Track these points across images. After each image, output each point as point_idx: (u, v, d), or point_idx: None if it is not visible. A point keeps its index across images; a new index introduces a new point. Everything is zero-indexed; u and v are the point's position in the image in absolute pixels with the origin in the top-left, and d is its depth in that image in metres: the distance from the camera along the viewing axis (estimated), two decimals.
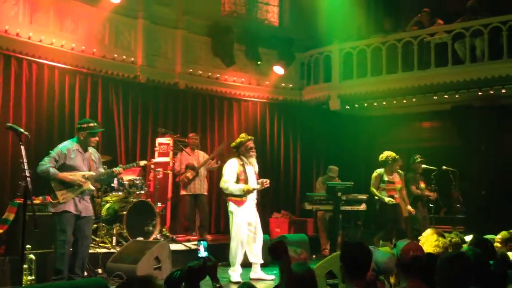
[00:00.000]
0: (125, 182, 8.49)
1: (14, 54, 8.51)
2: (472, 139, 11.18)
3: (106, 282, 4.42)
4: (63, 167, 6.03)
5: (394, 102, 11.59)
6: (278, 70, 11.93)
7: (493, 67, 9.97)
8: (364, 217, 10.48)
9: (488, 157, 10.91)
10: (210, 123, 11.38)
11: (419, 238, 5.02)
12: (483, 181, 10.84)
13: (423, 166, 9.40)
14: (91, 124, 6.30)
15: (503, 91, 10.28)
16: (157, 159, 9.68)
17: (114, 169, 6.47)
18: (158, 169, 9.22)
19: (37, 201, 6.76)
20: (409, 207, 9.06)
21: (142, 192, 8.64)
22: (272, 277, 7.07)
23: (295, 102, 12.53)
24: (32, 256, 6.12)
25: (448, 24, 10.78)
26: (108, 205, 8.33)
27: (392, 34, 11.39)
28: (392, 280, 3.86)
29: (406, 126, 12.35)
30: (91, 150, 6.34)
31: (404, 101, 11.48)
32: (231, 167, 7.21)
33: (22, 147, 4.80)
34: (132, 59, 10.14)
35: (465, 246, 4.47)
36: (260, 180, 7.34)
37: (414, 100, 11.34)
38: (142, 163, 6.92)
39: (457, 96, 10.85)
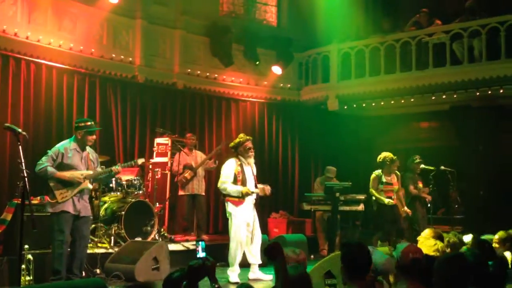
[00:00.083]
0: (123, 182, 8.49)
1: (12, 54, 8.50)
2: (470, 139, 11.19)
3: (104, 282, 4.42)
4: (61, 166, 6.02)
5: (392, 102, 11.60)
6: (276, 70, 11.94)
7: (491, 68, 9.99)
8: (362, 218, 10.48)
9: (486, 157, 10.93)
10: (208, 123, 11.38)
11: (417, 238, 5.02)
12: (481, 181, 10.86)
13: (422, 166, 9.41)
14: (88, 123, 6.30)
15: (501, 91, 10.31)
16: (155, 159, 9.68)
17: (113, 167, 6.45)
18: (156, 169, 9.22)
19: (35, 201, 6.77)
20: (405, 208, 9.07)
21: (140, 192, 8.64)
22: (270, 277, 7.07)
23: (293, 102, 12.54)
24: (30, 256, 6.11)
25: (446, 24, 10.79)
26: (106, 205, 8.32)
27: (390, 34, 11.40)
28: (391, 279, 3.86)
29: (404, 126, 12.37)
30: (88, 149, 6.34)
31: (402, 101, 11.50)
32: (229, 167, 7.20)
33: (20, 147, 4.79)
34: (130, 59, 10.13)
35: (464, 248, 4.46)
36: (262, 187, 7.33)
37: (412, 100, 11.36)
38: (140, 161, 6.90)
39: (455, 96, 10.87)
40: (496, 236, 5.17)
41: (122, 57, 10.00)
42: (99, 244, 7.77)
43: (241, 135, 7.50)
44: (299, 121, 12.61)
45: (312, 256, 9.13)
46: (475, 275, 3.26)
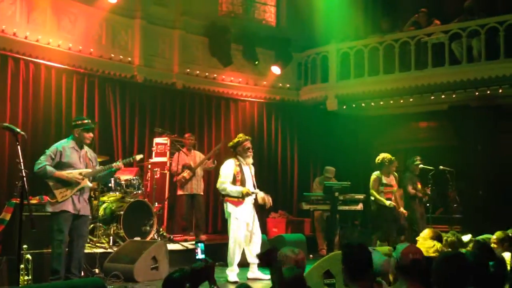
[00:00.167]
0: (122, 182, 8.49)
1: (11, 54, 8.50)
2: (469, 139, 11.20)
3: (103, 282, 4.42)
4: (60, 165, 6.01)
5: (391, 102, 11.61)
6: (276, 70, 11.94)
7: (490, 67, 10.00)
8: (361, 217, 10.49)
9: (485, 157, 10.94)
10: (207, 123, 11.39)
11: (416, 238, 5.03)
12: (480, 181, 10.86)
13: (421, 166, 9.41)
14: (85, 121, 6.30)
15: (500, 91, 10.32)
16: (155, 159, 9.69)
17: (114, 164, 6.42)
18: (155, 169, 9.22)
19: (34, 201, 6.76)
20: (401, 209, 9.08)
21: (139, 192, 8.64)
22: (269, 276, 7.06)
23: (292, 102, 12.54)
24: (29, 256, 6.10)
25: (445, 24, 10.80)
26: (105, 205, 8.32)
27: (389, 34, 11.40)
28: (390, 278, 3.86)
29: (403, 126, 12.37)
30: (86, 149, 6.33)
31: (401, 101, 11.51)
32: (228, 167, 7.20)
33: (19, 147, 4.79)
34: (129, 59, 10.13)
35: (464, 250, 4.47)
36: (263, 196, 7.31)
37: (411, 100, 11.37)
38: (138, 157, 6.87)
39: (454, 96, 10.87)
40: (494, 237, 5.17)
41: (121, 57, 10.00)
42: (98, 244, 7.77)
43: (240, 135, 7.50)
44: (298, 121, 12.61)
45: (311, 256, 9.14)
46: (475, 275, 3.26)
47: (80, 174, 6.09)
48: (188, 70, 11.05)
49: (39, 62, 8.87)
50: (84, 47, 9.45)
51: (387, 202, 8.78)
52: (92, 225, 7.92)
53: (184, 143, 9.59)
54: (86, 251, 6.95)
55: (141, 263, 6.79)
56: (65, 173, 5.99)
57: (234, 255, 7.08)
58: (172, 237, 8.95)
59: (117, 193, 8.42)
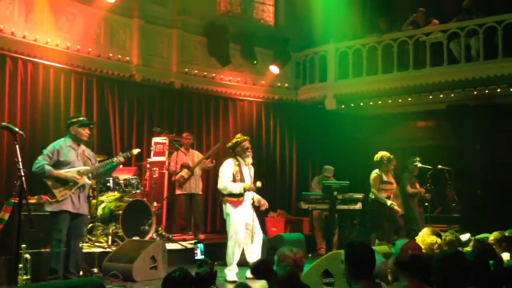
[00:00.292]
0: (121, 182, 8.48)
1: (9, 54, 8.49)
2: (467, 138, 11.21)
3: (102, 282, 4.41)
4: (58, 164, 6.00)
5: (390, 101, 11.62)
6: (274, 69, 11.95)
7: (488, 67, 10.00)
8: (360, 216, 10.49)
9: (483, 156, 10.95)
10: (205, 123, 11.38)
11: (415, 238, 5.03)
12: (478, 180, 10.88)
13: (419, 165, 9.41)
14: (80, 118, 6.30)
15: (498, 90, 10.34)
16: (153, 158, 9.68)
17: (114, 159, 6.38)
18: (154, 169, 9.21)
19: (32, 200, 6.75)
20: (396, 207, 9.10)
21: (138, 191, 8.63)
22: None
23: (291, 101, 12.54)
24: (27, 255, 6.10)
25: (444, 23, 10.81)
26: (103, 204, 8.31)
27: (387, 33, 11.41)
28: (389, 278, 3.87)
29: (401, 125, 12.39)
30: (84, 147, 6.32)
31: (400, 101, 11.52)
32: (227, 167, 7.20)
33: (17, 147, 4.78)
34: (128, 58, 10.13)
35: (465, 248, 4.47)
36: (259, 198, 7.34)
37: (409, 99, 11.38)
38: (135, 151, 6.81)
39: (452, 95, 10.89)
40: (491, 237, 5.17)
41: (119, 56, 9.99)
42: (97, 243, 7.76)
43: (239, 135, 7.49)
44: (296, 120, 12.62)
45: (309, 255, 9.15)
46: (475, 274, 3.27)
47: (78, 172, 6.07)
48: (187, 69, 11.05)
49: (37, 61, 8.86)
50: (82, 47, 9.45)
51: (388, 202, 8.79)
52: (91, 225, 7.92)
53: (182, 142, 9.59)
54: (85, 250, 6.96)
55: (139, 262, 6.78)
56: (63, 172, 5.98)
57: (233, 255, 7.08)
58: (170, 236, 8.95)
59: (116, 192, 8.42)
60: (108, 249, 7.52)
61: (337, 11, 11.65)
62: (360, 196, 9.66)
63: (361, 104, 11.98)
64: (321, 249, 10.05)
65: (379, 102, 11.72)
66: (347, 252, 3.25)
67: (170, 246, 8.07)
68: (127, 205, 8.03)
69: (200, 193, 9.57)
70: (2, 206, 6.86)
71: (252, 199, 7.29)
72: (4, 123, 5.21)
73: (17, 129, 4.93)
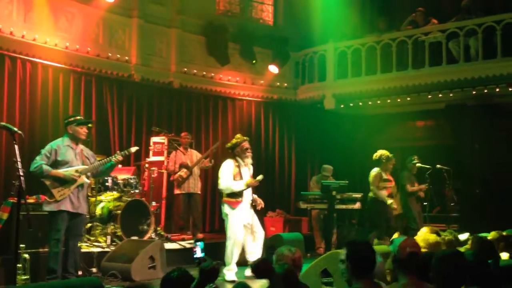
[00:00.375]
0: (119, 181, 8.48)
1: (7, 53, 8.48)
2: (466, 138, 11.21)
3: (100, 281, 4.40)
4: (56, 163, 6.00)
5: (389, 101, 11.62)
6: (273, 69, 11.95)
7: (487, 66, 10.01)
8: (358, 216, 10.49)
9: (482, 156, 10.95)
10: (204, 122, 11.38)
11: (415, 237, 5.03)
12: (477, 180, 10.88)
13: (418, 165, 9.41)
14: (77, 117, 6.30)
15: (497, 90, 10.34)
16: (152, 158, 9.68)
17: (112, 157, 6.34)
18: (153, 168, 9.21)
19: (31, 200, 6.75)
20: (394, 205, 9.11)
21: (137, 191, 8.62)
22: None
23: (290, 101, 12.54)
24: (26, 255, 6.09)
25: (443, 23, 10.81)
26: (102, 204, 8.31)
27: (386, 33, 11.41)
28: (388, 278, 3.87)
29: (400, 125, 12.39)
30: (82, 146, 6.31)
31: (399, 100, 11.52)
32: (227, 168, 7.20)
33: (16, 146, 4.77)
34: (127, 58, 10.13)
35: (463, 247, 4.47)
36: (256, 197, 7.35)
37: (408, 99, 11.38)
38: (134, 149, 6.79)
39: (451, 95, 10.89)
40: (489, 237, 5.17)
41: (118, 56, 9.99)
42: (96, 243, 7.76)
43: (238, 135, 7.49)
44: (295, 120, 12.62)
45: (308, 255, 9.14)
46: (476, 273, 3.28)
47: (77, 171, 6.07)
48: (186, 69, 11.05)
49: (36, 61, 8.86)
50: (81, 46, 9.44)
51: (389, 201, 8.79)
52: (89, 224, 7.92)
53: (180, 142, 9.60)
54: (83, 250, 6.95)
55: (138, 262, 6.77)
56: (61, 171, 5.98)
57: (232, 255, 7.08)
58: (169, 236, 8.94)
59: (115, 192, 8.41)
60: (106, 249, 7.52)
61: (336, 10, 11.65)
62: (358, 195, 9.66)
63: (360, 103, 11.99)
64: (320, 249, 10.05)
65: (378, 102, 11.73)
66: (349, 252, 3.25)
67: (168, 245, 8.07)
68: (126, 205, 8.02)
69: (199, 192, 9.58)
70: (1, 206, 6.86)
71: (251, 199, 7.30)
72: (2, 123, 5.20)
73: (15, 129, 4.93)
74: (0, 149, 8.20)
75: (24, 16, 8.70)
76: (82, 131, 6.20)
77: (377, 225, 8.91)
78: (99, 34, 9.81)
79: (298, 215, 11.41)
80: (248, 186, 7.14)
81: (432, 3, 11.88)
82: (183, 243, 8.52)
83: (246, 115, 12.09)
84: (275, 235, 9.36)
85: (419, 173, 9.48)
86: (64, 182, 5.99)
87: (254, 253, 7.22)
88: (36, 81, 8.84)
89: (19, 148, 4.80)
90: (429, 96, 11.12)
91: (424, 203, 9.35)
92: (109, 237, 7.97)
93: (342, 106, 12.01)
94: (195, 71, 11.18)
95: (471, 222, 9.44)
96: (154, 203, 8.96)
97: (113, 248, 7.45)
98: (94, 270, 7.00)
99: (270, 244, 8.29)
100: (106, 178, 8.23)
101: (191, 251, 7.84)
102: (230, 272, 7.07)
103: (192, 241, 8.55)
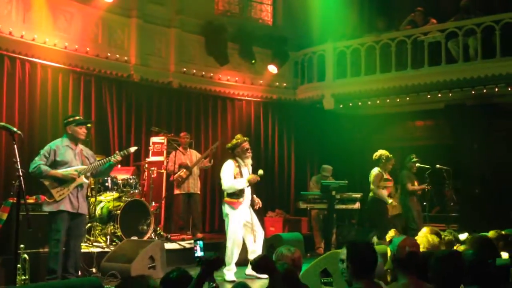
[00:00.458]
0: (119, 182, 8.47)
1: (7, 53, 8.48)
2: (465, 137, 11.23)
3: (100, 282, 4.40)
4: (55, 164, 6.00)
5: (388, 101, 11.63)
6: (272, 69, 11.94)
7: (486, 66, 10.02)
8: (358, 216, 10.49)
9: (481, 156, 10.97)
10: (204, 122, 11.38)
11: (415, 238, 5.03)
12: (476, 180, 10.89)
13: (417, 165, 9.42)
14: (76, 117, 6.29)
15: (496, 90, 10.36)
16: (151, 158, 9.68)
17: (111, 158, 6.33)
18: (152, 168, 9.21)
19: (30, 200, 6.74)
20: (395, 203, 9.11)
21: (136, 191, 8.62)
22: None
23: (289, 101, 12.54)
24: (25, 255, 6.09)
25: (442, 23, 10.81)
26: (102, 204, 8.30)
27: (385, 33, 11.42)
28: (388, 278, 3.87)
29: (399, 124, 12.40)
30: (82, 146, 6.31)
31: (398, 100, 11.53)
32: (229, 168, 7.20)
33: (15, 147, 4.77)
34: (126, 58, 10.12)
35: (462, 246, 4.47)
36: (254, 197, 7.36)
37: (407, 99, 11.39)
38: (133, 149, 6.79)
39: (450, 95, 10.90)
40: (488, 236, 5.17)
41: (117, 56, 9.98)
42: (95, 243, 7.76)
43: (238, 136, 7.49)
44: (294, 120, 12.62)
45: (308, 255, 9.15)
46: (476, 273, 3.28)
47: (76, 171, 6.06)
48: (185, 69, 11.04)
49: (35, 61, 8.86)
50: (80, 46, 9.44)
51: (389, 201, 8.79)
52: (89, 225, 7.91)
53: (180, 142, 9.60)
54: (83, 250, 6.94)
55: (138, 262, 6.77)
56: (60, 172, 5.97)
57: (232, 255, 7.09)
58: (169, 236, 8.94)
59: (114, 192, 8.40)
60: (106, 249, 7.52)
61: (335, 10, 11.65)
62: (358, 195, 9.66)
63: (359, 103, 11.99)
64: (320, 249, 10.05)
65: (377, 102, 11.73)
66: (350, 252, 3.25)
67: (168, 245, 8.06)
68: (126, 205, 8.02)
69: (199, 192, 9.58)
70: (0, 206, 6.86)
71: (251, 199, 7.30)
72: (2, 123, 5.20)
73: (15, 129, 4.92)
74: None
75: (23, 16, 8.69)
76: (81, 131, 6.19)
77: (377, 224, 8.91)
78: (98, 34, 9.81)
79: (298, 215, 11.42)
80: (250, 182, 7.15)
81: (431, 3, 11.89)
82: (182, 243, 8.51)
83: (245, 115, 12.09)
84: (275, 235, 9.37)
85: (418, 173, 9.49)
86: (63, 182, 5.99)
87: (255, 253, 7.22)
88: (35, 81, 8.83)
89: (18, 148, 4.80)
90: (428, 96, 11.13)
91: (424, 203, 9.35)
92: (108, 237, 7.97)
93: (341, 106, 12.02)
94: (194, 71, 11.18)
95: (470, 222, 9.45)
96: (153, 203, 8.97)
97: (112, 248, 7.45)
98: (93, 270, 6.99)
99: (270, 244, 8.30)
100: (105, 178, 8.22)
101: (190, 251, 7.88)
102: (229, 272, 7.07)
103: (191, 241, 8.55)
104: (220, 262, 2.98)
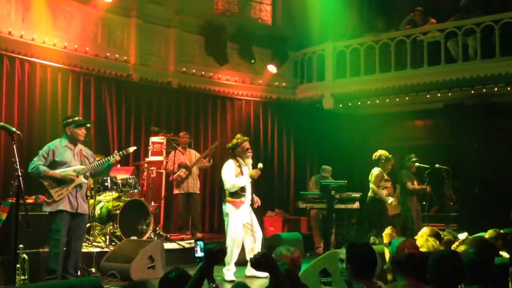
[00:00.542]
0: (118, 181, 8.46)
1: (6, 53, 8.48)
2: (464, 137, 11.23)
3: (99, 281, 4.40)
4: (53, 164, 6.00)
5: (387, 100, 11.63)
6: (272, 68, 11.94)
7: (485, 66, 10.02)
8: (357, 215, 10.50)
9: (480, 155, 10.97)
10: (203, 122, 11.38)
11: (415, 237, 5.02)
12: (476, 179, 10.89)
13: (417, 164, 9.42)
14: (76, 118, 6.29)
15: (496, 89, 10.36)
16: (151, 158, 9.67)
17: (110, 157, 6.33)
18: (152, 168, 9.20)
19: (29, 200, 6.74)
20: (395, 202, 9.12)
21: (136, 191, 8.62)
22: (266, 274, 7.05)
23: (289, 100, 12.54)
24: (25, 255, 6.08)
25: (441, 23, 10.82)
26: (101, 204, 8.30)
27: (385, 33, 11.42)
28: (389, 277, 3.87)
29: (399, 124, 12.41)
30: (81, 146, 6.31)
31: (397, 100, 11.53)
32: (230, 167, 7.20)
33: (15, 147, 4.77)
34: (125, 57, 10.12)
35: (463, 247, 4.47)
36: (253, 196, 7.38)
37: (407, 98, 11.40)
38: (132, 149, 6.79)
39: (449, 94, 10.91)
40: (487, 235, 5.17)
41: (117, 55, 9.98)
42: (95, 243, 7.76)
43: (238, 135, 7.48)
44: (294, 119, 12.62)
45: (307, 254, 9.15)
46: (476, 273, 3.28)
47: (74, 171, 6.06)
48: (184, 69, 11.04)
49: (34, 61, 8.85)
50: (80, 46, 9.43)
51: (389, 201, 8.79)
52: (88, 224, 7.90)
53: (179, 141, 9.60)
54: (82, 250, 6.93)
55: (137, 262, 6.77)
56: (58, 172, 5.97)
57: (232, 254, 7.08)
58: (168, 236, 8.93)
59: (114, 192, 8.40)
60: (106, 249, 7.51)
61: (335, 10, 11.65)
62: (357, 195, 9.66)
63: (359, 103, 11.99)
64: (319, 248, 10.05)
65: (377, 101, 11.74)
66: (350, 253, 3.25)
67: (168, 245, 8.06)
68: (125, 204, 8.01)
69: (198, 192, 9.58)
70: (0, 206, 6.86)
71: (252, 199, 7.30)
72: (1, 123, 5.20)
73: (14, 129, 4.92)
74: None
75: (22, 16, 8.69)
76: (81, 132, 6.19)
77: (376, 224, 8.90)
78: (98, 34, 9.80)
79: (297, 214, 11.42)
80: (252, 177, 7.17)
81: (431, 2, 11.89)
82: (182, 243, 8.51)
83: (245, 115, 12.09)
84: (274, 234, 9.38)
85: (418, 173, 9.49)
86: (62, 182, 5.99)
87: (253, 252, 7.21)
88: (34, 81, 8.83)
89: (17, 148, 4.81)
90: (428, 96, 11.13)
91: (423, 202, 9.35)
92: (108, 237, 7.97)
93: (340, 105, 12.02)
94: (193, 70, 11.18)
95: (470, 221, 9.45)
96: (153, 203, 8.96)
97: (112, 248, 7.45)
98: (93, 270, 6.99)
99: (269, 244, 8.30)
100: (105, 178, 8.22)
101: (190, 250, 7.87)
102: (229, 272, 7.07)
103: (191, 241, 8.55)
104: (224, 253, 2.97)
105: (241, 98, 12.04)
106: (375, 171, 8.87)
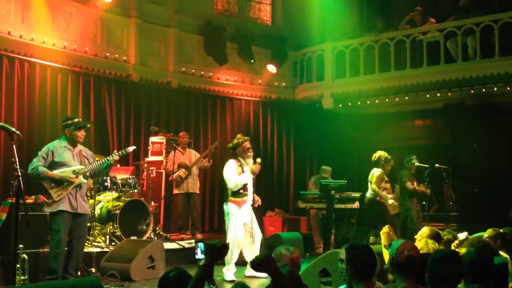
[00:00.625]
0: (118, 181, 8.47)
1: (5, 53, 8.47)
2: (464, 137, 11.23)
3: (99, 282, 4.40)
4: (53, 164, 6.00)
5: (387, 100, 11.64)
6: (271, 68, 11.94)
7: (485, 66, 10.03)
8: (357, 215, 10.49)
9: (480, 155, 10.97)
10: (203, 122, 11.38)
11: (415, 237, 5.02)
12: (476, 179, 10.89)
13: (417, 164, 9.41)
14: (75, 120, 6.28)
15: (495, 89, 10.37)
16: (151, 158, 9.68)
17: (110, 157, 6.32)
18: (152, 168, 9.20)
19: (29, 200, 6.75)
20: (395, 202, 9.12)
21: (135, 191, 8.62)
22: (266, 274, 7.05)
23: (288, 100, 12.54)
24: (24, 255, 6.08)
25: (440, 22, 10.82)
26: (101, 204, 8.30)
27: (384, 32, 11.42)
28: (390, 277, 3.86)
29: (398, 124, 12.41)
30: (81, 147, 6.31)
31: (397, 100, 11.53)
32: (231, 167, 7.19)
33: (14, 147, 4.77)
34: (125, 58, 10.11)
35: (462, 249, 4.47)
36: (254, 195, 7.40)
37: (406, 98, 11.40)
38: (131, 148, 6.78)
39: (449, 94, 10.91)
40: (486, 235, 5.16)
41: (116, 56, 9.98)
42: (95, 243, 7.76)
43: (239, 135, 7.49)
44: (294, 119, 12.62)
45: (307, 254, 9.15)
46: (476, 272, 3.28)
47: (74, 171, 6.06)
48: (184, 69, 11.04)
49: (34, 61, 8.85)
50: (79, 46, 9.43)
51: (390, 201, 8.79)
52: (88, 224, 7.90)
53: (179, 141, 9.60)
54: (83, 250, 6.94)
55: (137, 262, 6.78)
56: (57, 173, 5.97)
57: (232, 254, 7.08)
58: (168, 236, 8.94)
59: (113, 192, 8.40)
60: (105, 249, 7.52)
61: (334, 10, 11.66)
62: (357, 195, 9.66)
63: (358, 103, 12.00)
64: (319, 248, 10.05)
65: (376, 101, 11.74)
66: (350, 255, 3.26)
67: (168, 245, 8.06)
68: (125, 204, 8.02)
69: (198, 192, 9.58)
70: (0, 206, 6.86)
71: (253, 199, 7.31)
72: (1, 123, 5.20)
73: (14, 129, 4.93)
74: None
75: (22, 16, 8.69)
76: (80, 134, 6.20)
77: (376, 224, 8.90)
78: (97, 34, 9.80)
79: (297, 214, 11.42)
80: (253, 172, 7.21)
81: (430, 2, 11.90)
82: (182, 242, 8.51)
83: (245, 115, 12.09)
84: (274, 234, 9.38)
85: (417, 173, 9.49)
86: (61, 182, 5.99)
87: (252, 255, 7.21)
88: (34, 81, 8.83)
89: (17, 148, 4.81)
90: (427, 95, 11.13)
91: (423, 202, 9.34)
92: (108, 237, 7.97)
93: (340, 105, 12.02)
94: (193, 70, 11.18)
95: (470, 221, 9.44)
96: (153, 203, 8.97)
97: (112, 248, 7.45)
98: (93, 270, 6.99)
99: (269, 244, 8.30)
100: (105, 178, 8.22)
101: (190, 251, 7.88)
102: (229, 272, 7.07)
103: (191, 241, 8.56)
104: (226, 249, 2.97)
105: (240, 98, 12.04)
106: (377, 172, 8.85)
